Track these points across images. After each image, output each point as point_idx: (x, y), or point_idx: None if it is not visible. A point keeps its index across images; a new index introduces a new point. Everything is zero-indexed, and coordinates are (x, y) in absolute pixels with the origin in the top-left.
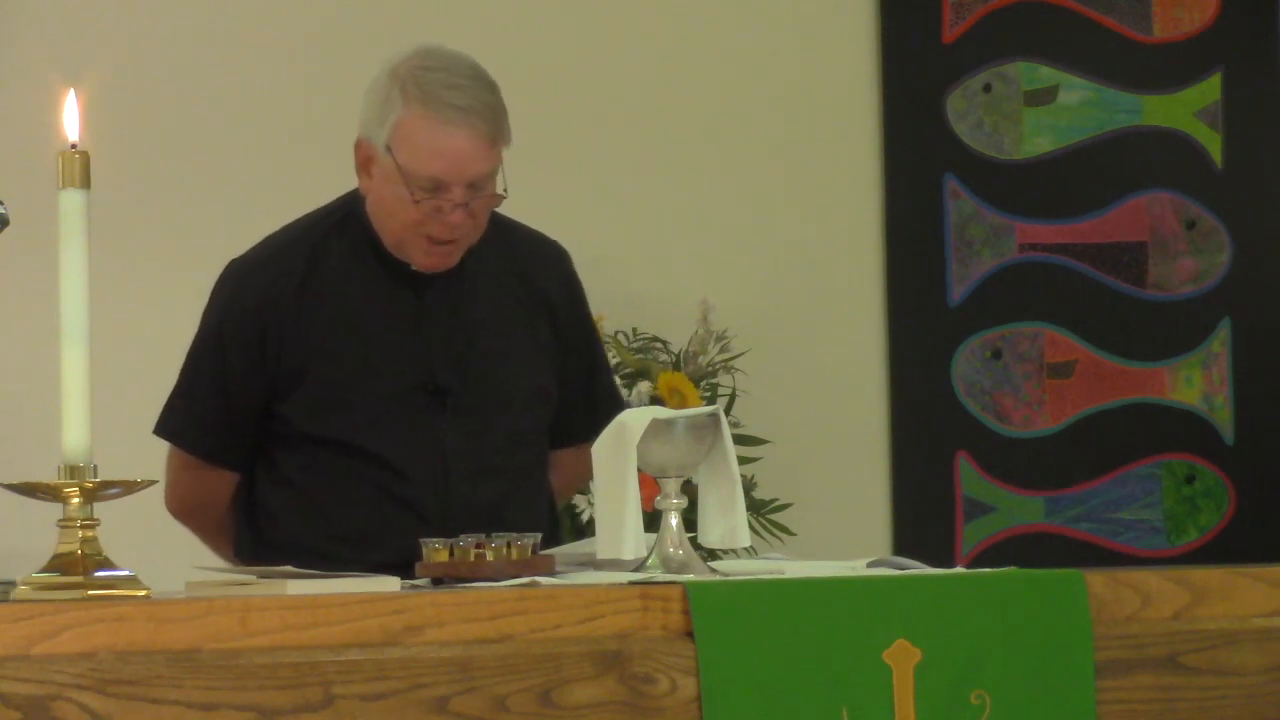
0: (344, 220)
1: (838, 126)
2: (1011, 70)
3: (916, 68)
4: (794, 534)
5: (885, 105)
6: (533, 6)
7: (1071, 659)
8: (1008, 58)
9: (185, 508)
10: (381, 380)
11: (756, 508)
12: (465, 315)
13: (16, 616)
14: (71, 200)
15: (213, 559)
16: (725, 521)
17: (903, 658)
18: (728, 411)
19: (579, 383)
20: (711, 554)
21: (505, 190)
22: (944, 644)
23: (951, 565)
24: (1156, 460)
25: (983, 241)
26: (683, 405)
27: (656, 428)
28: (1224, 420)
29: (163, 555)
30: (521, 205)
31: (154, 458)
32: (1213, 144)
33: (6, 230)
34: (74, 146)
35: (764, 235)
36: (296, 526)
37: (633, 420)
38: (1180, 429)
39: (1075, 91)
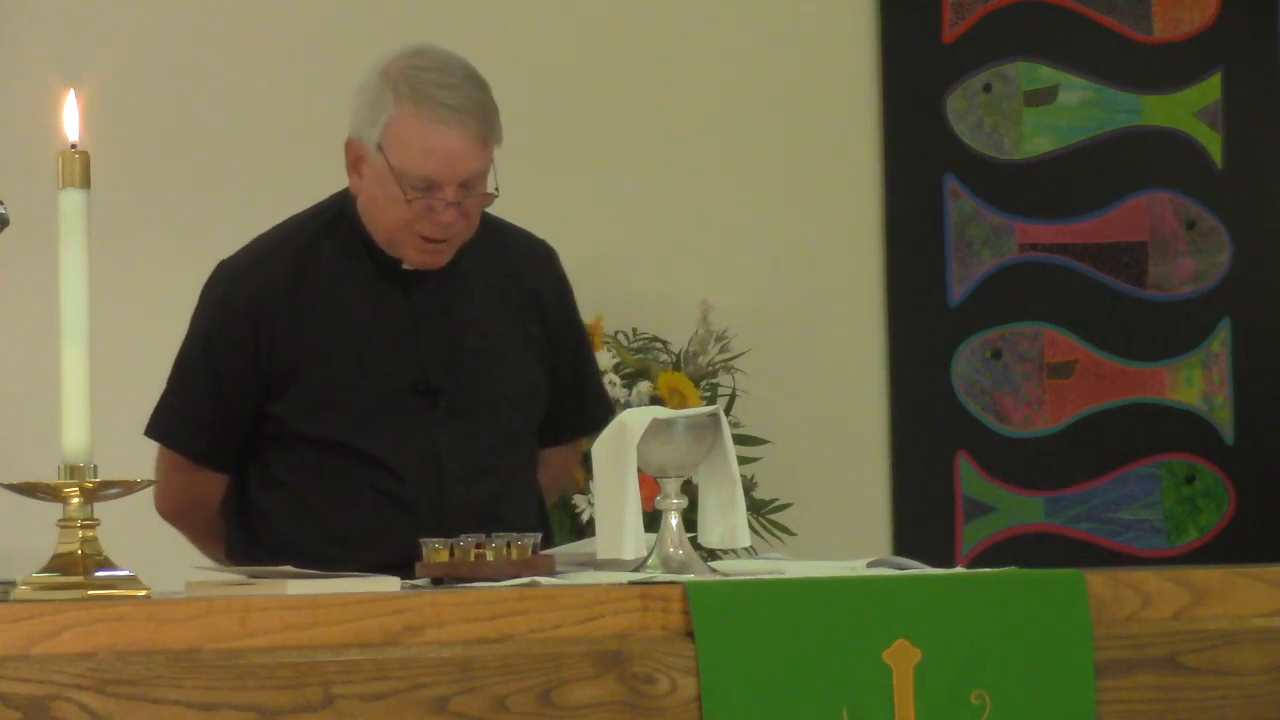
0: (334, 220)
1: (838, 126)
2: (1011, 70)
3: (916, 68)
4: (794, 534)
5: (885, 105)
6: (533, 6)
7: (1071, 659)
8: (1008, 58)
9: (175, 509)
10: (374, 380)
11: (756, 508)
12: (457, 315)
13: (16, 616)
14: (71, 200)
15: (205, 560)
16: (725, 521)
17: (903, 658)
18: (728, 411)
19: (568, 382)
20: (711, 554)
21: (497, 189)
22: (944, 644)
23: (951, 565)
24: (1156, 460)
25: (983, 241)
26: (683, 405)
27: (656, 428)
28: (1224, 420)
29: (163, 555)
30: (522, 205)
31: (154, 458)
32: (1213, 144)
33: (6, 230)
34: (74, 146)
35: (764, 235)
36: (290, 527)
37: (633, 420)
38: (1180, 429)
39: (1075, 91)
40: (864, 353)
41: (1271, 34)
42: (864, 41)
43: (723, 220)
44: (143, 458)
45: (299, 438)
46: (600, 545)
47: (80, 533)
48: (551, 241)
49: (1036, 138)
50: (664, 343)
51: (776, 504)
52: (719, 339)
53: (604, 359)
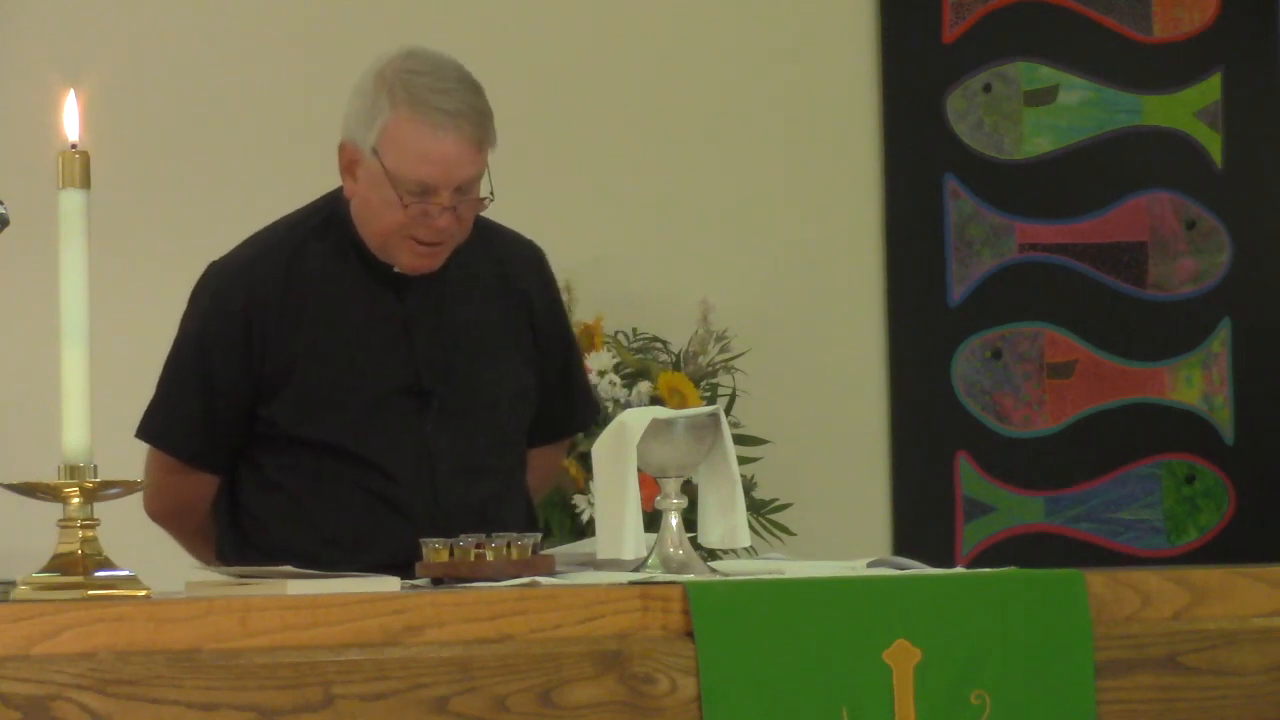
0: (326, 221)
1: (838, 126)
2: (1011, 70)
3: (916, 68)
4: (794, 534)
5: (885, 105)
6: (532, 6)
7: (1071, 659)
8: (1008, 58)
9: (165, 511)
10: (367, 382)
11: (756, 508)
12: (449, 317)
13: (16, 616)
14: (71, 200)
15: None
16: (725, 521)
17: (903, 658)
18: (728, 411)
19: (557, 383)
20: (711, 554)
21: (492, 194)
22: (944, 644)
23: (951, 565)
24: (1156, 460)
25: (983, 241)
26: (683, 405)
27: (656, 428)
28: (1224, 420)
29: (163, 555)
30: (522, 206)
31: None
32: (1213, 144)
33: (6, 230)
34: (74, 146)
35: (764, 235)
36: (282, 530)
37: (633, 420)
38: (1180, 429)
39: (1075, 91)
40: (864, 353)
41: (1271, 34)
42: (864, 41)
43: (722, 220)
44: (142, 458)
45: (291, 440)
46: (600, 545)
47: (80, 533)
48: (551, 242)
49: (1036, 138)
50: (664, 343)
51: (776, 504)
52: (719, 339)
53: (604, 359)
